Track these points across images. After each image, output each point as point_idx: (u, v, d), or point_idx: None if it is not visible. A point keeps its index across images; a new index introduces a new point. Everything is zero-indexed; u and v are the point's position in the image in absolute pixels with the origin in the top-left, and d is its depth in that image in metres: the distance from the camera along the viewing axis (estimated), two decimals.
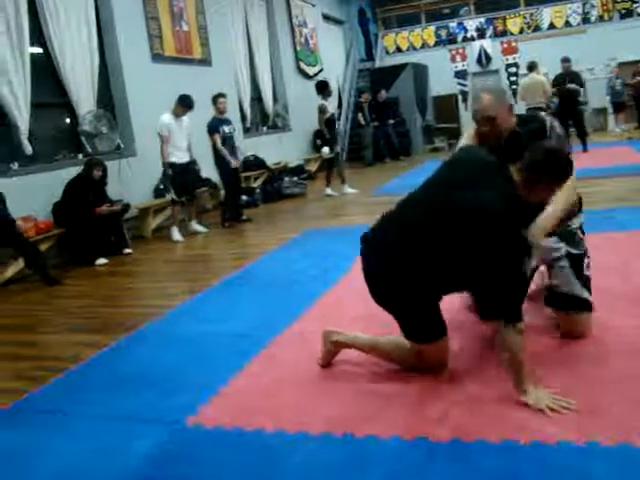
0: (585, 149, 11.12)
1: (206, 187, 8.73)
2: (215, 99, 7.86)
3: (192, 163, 7.59)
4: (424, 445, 2.17)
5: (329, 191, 9.60)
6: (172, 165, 7.25)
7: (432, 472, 2.02)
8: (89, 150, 7.42)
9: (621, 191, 6.83)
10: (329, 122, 9.71)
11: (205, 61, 9.99)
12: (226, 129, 7.76)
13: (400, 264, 2.55)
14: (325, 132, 9.76)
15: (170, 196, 7.40)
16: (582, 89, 11.90)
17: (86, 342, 3.86)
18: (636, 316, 3.13)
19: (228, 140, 7.77)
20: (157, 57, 8.75)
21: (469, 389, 2.55)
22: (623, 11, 15.60)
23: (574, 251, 2.90)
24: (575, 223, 2.96)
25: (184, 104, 7.30)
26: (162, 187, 7.94)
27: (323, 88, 9.78)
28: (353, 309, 3.76)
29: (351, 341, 2.90)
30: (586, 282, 2.90)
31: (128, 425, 2.62)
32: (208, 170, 8.31)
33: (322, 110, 9.62)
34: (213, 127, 7.69)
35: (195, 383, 2.98)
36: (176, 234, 7.32)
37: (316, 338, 3.21)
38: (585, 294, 2.89)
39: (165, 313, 4.27)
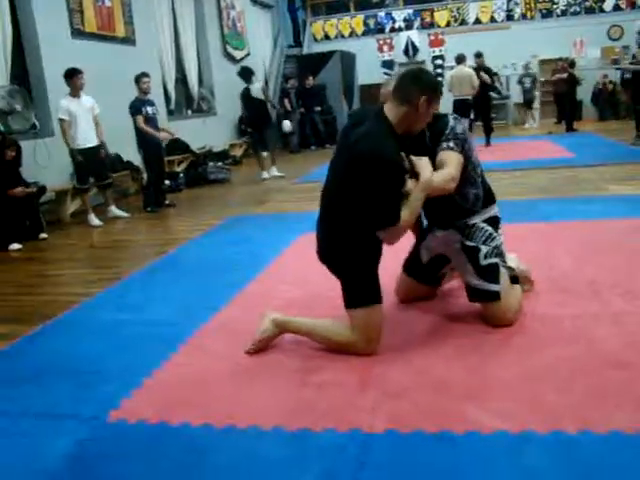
0: (488, 143, 11.28)
1: (127, 170, 8.44)
2: (138, 79, 7.57)
3: (100, 146, 7.13)
4: (359, 437, 2.10)
5: (273, 173, 9.67)
6: (77, 151, 6.86)
7: (370, 465, 1.96)
8: (1, 129, 7.01)
9: (543, 183, 7.00)
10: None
11: (129, 40, 9.61)
12: (149, 110, 7.49)
13: (335, 228, 2.76)
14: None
15: (73, 183, 7.08)
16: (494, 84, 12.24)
17: None
18: (563, 304, 3.17)
19: (151, 121, 7.51)
20: (77, 33, 8.34)
21: (403, 378, 2.50)
22: (544, 11, 16.11)
23: (468, 243, 2.92)
24: (474, 219, 2.96)
25: (71, 77, 6.82)
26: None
27: (251, 74, 9.63)
28: (281, 296, 3.69)
29: (289, 320, 2.91)
30: (485, 272, 2.89)
31: (44, 422, 2.44)
32: (131, 153, 8.03)
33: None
34: (136, 108, 7.41)
35: (117, 375, 2.81)
36: (94, 219, 7.02)
37: (244, 326, 3.15)
38: (484, 285, 2.89)
39: (84, 301, 4.06)
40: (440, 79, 16.20)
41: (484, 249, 2.90)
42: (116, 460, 2.13)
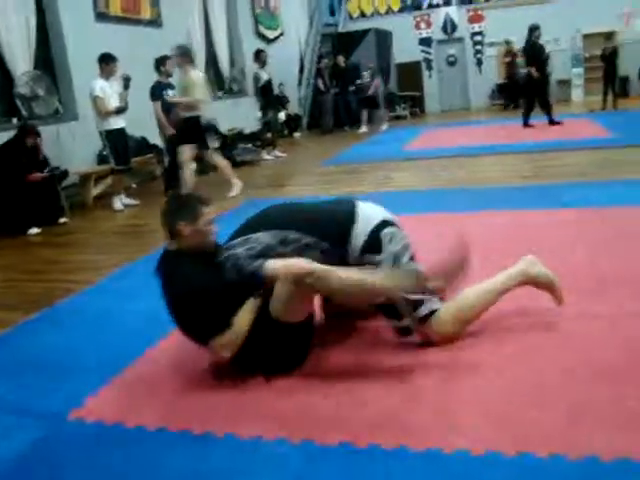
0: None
1: (152, 153, 8.43)
2: (162, 61, 7.50)
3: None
4: (308, 449, 1.98)
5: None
6: (110, 132, 6.81)
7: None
8: (25, 114, 7.05)
9: (576, 165, 6.66)
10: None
11: (155, 22, 9.56)
12: (170, 93, 7.42)
13: None
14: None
15: (111, 165, 7.04)
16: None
17: None
18: (572, 304, 2.81)
19: (172, 105, 7.43)
20: (101, 16, 8.32)
21: (370, 388, 2.33)
22: None
23: None
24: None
25: (108, 61, 6.76)
26: (104, 154, 7.49)
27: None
28: None
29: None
30: None
31: (3, 418, 2.40)
32: (155, 136, 8.00)
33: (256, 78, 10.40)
34: (156, 94, 7.35)
35: (89, 370, 2.75)
36: (117, 203, 7.01)
37: None
38: None
39: (85, 289, 4.02)
40: (479, 56, 15.83)
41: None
42: (61, 463, 2.07)
